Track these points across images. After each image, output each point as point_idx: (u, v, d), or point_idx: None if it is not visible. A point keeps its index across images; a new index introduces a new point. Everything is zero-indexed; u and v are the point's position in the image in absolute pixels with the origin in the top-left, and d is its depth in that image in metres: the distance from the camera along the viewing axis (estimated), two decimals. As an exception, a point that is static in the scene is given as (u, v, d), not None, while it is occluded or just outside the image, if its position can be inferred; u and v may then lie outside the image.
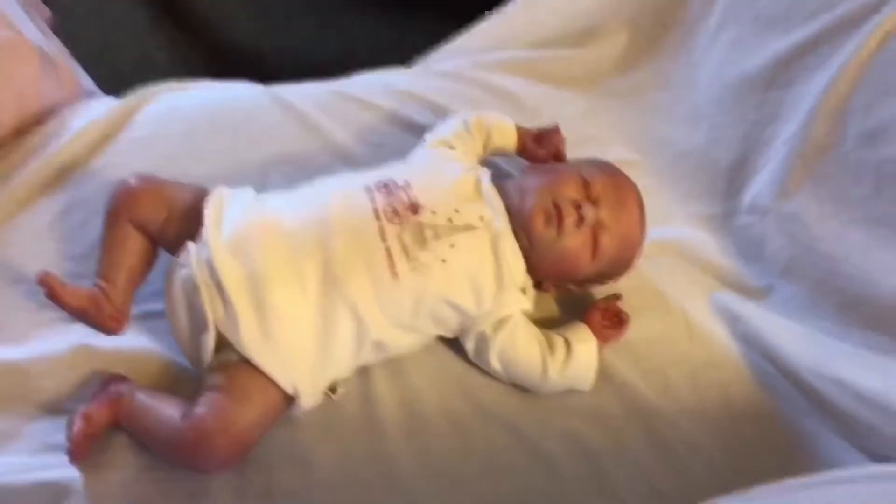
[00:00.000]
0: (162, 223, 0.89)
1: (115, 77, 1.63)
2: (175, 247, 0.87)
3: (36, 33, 1.15)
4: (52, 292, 0.85)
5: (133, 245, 0.89)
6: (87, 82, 1.30)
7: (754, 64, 1.05)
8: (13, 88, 1.08)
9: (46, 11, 1.21)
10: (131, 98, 1.16)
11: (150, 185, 0.91)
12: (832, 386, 0.85)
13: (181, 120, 1.13)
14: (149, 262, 0.91)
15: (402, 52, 1.79)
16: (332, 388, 0.85)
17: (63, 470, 0.79)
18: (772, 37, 1.04)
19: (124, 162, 1.07)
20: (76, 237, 0.99)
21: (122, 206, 0.89)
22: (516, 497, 0.81)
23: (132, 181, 0.90)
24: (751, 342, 0.93)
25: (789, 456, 0.85)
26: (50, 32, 1.22)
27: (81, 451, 0.78)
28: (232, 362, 0.81)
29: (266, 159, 1.09)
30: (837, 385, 0.85)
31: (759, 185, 1.00)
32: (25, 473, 0.79)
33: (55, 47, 1.19)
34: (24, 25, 1.12)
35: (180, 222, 0.88)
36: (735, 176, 1.04)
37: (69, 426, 0.79)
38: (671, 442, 0.85)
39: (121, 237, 0.89)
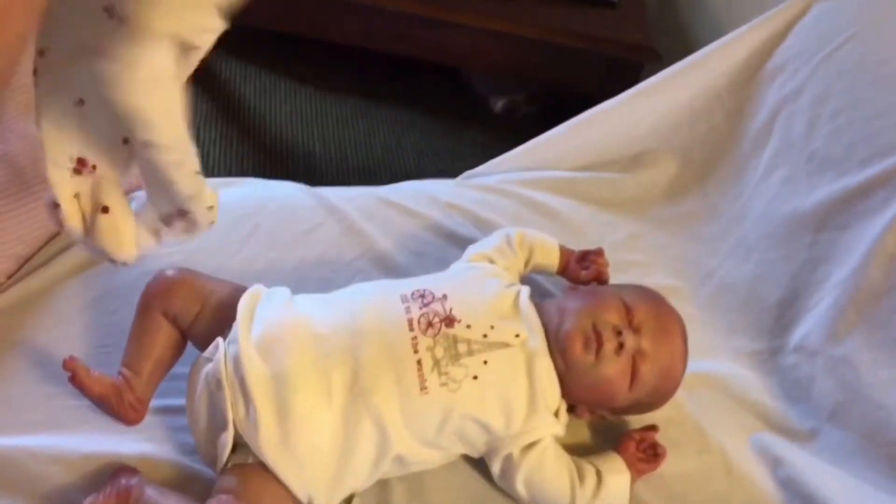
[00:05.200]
0: (194, 317, 0.91)
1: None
2: (204, 342, 0.89)
3: None
4: (76, 378, 0.88)
5: (162, 337, 0.91)
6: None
7: (806, 204, 1.08)
8: None
9: None
10: (178, 191, 1.21)
11: (187, 278, 0.94)
12: (877, 543, 0.83)
13: (223, 215, 1.15)
14: (176, 355, 0.93)
15: (448, 163, 1.86)
16: (348, 500, 0.85)
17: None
18: (826, 178, 1.07)
19: (162, 253, 1.09)
20: (105, 325, 1.01)
21: (157, 297, 0.92)
22: None
23: (169, 273, 0.94)
24: (793, 488, 0.92)
25: None
26: None
27: None
28: (247, 465, 0.82)
29: (304, 260, 1.13)
30: (883, 543, 0.83)
31: (809, 326, 1.01)
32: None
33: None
34: None
35: (213, 317, 0.91)
36: (783, 313, 1.05)
37: None
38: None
39: (151, 328, 0.91)
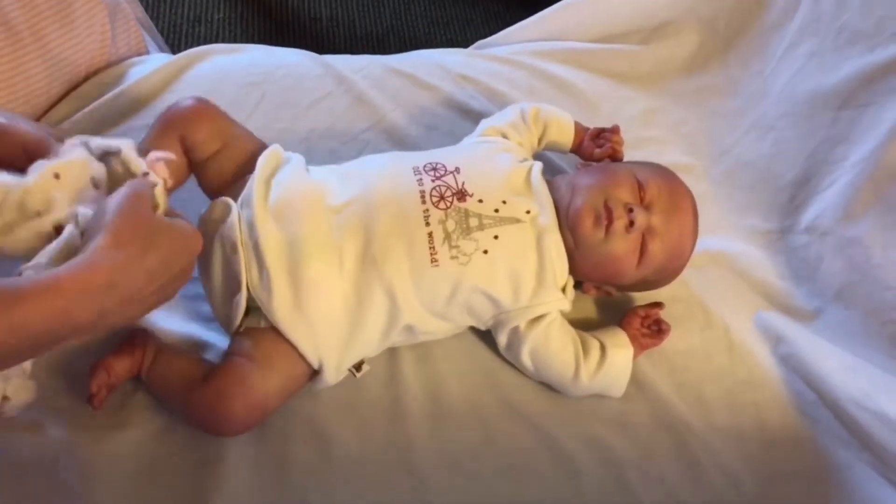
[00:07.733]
0: (211, 154, 0.90)
1: (172, 31, 1.71)
2: (214, 184, 0.89)
3: None
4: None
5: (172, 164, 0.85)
6: (152, 38, 1.33)
7: (831, 79, 1.06)
8: (85, 49, 1.12)
9: None
10: (182, 57, 1.19)
11: (212, 111, 0.91)
12: (874, 419, 0.88)
13: (230, 83, 1.17)
14: (176, 184, 0.87)
15: (459, 33, 1.82)
16: (358, 366, 0.89)
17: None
18: (854, 53, 1.05)
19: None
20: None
21: (179, 120, 0.89)
22: (534, 500, 0.85)
23: (194, 101, 0.90)
24: (792, 365, 0.96)
25: (820, 486, 0.88)
26: None
27: (100, 399, 0.82)
28: (260, 328, 0.85)
29: (312, 131, 1.13)
30: (880, 419, 0.87)
31: (823, 206, 1.02)
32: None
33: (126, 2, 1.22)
34: None
35: (230, 164, 0.90)
36: (797, 193, 1.06)
37: (90, 374, 0.82)
38: (700, 459, 0.89)
39: (163, 147, 0.84)
